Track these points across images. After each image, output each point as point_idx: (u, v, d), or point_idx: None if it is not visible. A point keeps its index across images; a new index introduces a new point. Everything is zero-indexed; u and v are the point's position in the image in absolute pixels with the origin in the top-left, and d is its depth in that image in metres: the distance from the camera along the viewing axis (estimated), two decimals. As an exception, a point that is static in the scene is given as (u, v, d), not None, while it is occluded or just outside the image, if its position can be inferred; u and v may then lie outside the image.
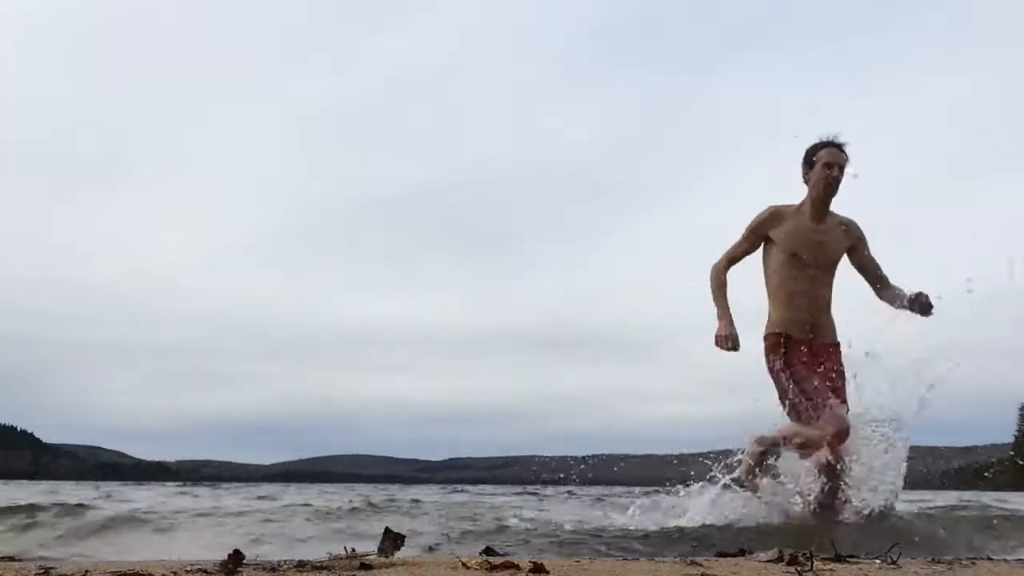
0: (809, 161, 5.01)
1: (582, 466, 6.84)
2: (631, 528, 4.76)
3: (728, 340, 5.04)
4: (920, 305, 4.97)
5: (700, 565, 2.61)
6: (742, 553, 3.06)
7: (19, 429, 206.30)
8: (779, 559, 2.77)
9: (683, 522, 4.88)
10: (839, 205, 5.09)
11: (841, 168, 4.94)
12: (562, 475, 6.87)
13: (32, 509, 6.35)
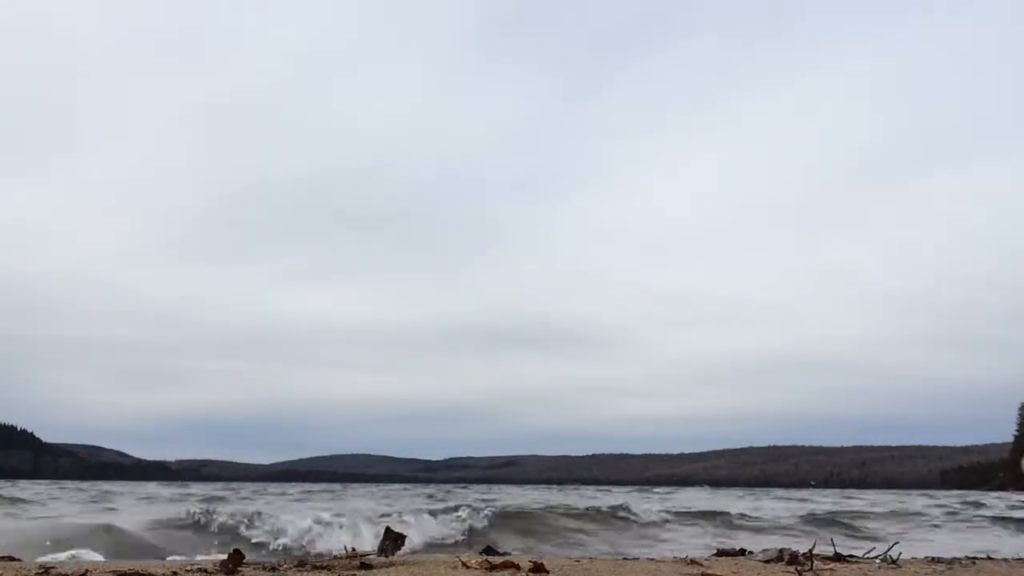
0: None
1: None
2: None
3: None
4: None
5: (700, 564, 2.62)
6: (742, 552, 3.06)
7: (19, 429, 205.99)
8: (779, 558, 2.77)
9: None
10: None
11: None
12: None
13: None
